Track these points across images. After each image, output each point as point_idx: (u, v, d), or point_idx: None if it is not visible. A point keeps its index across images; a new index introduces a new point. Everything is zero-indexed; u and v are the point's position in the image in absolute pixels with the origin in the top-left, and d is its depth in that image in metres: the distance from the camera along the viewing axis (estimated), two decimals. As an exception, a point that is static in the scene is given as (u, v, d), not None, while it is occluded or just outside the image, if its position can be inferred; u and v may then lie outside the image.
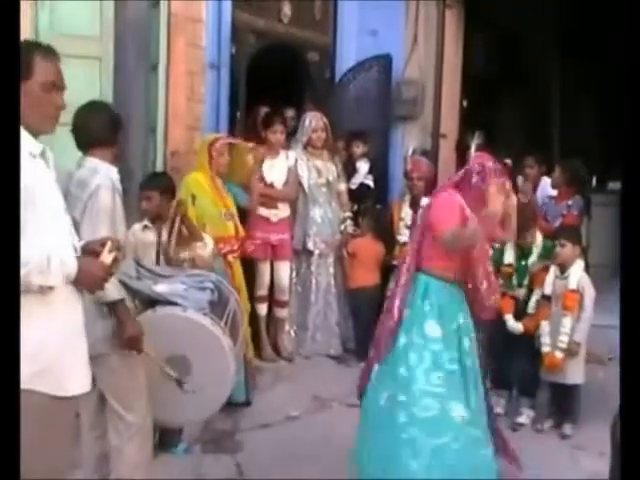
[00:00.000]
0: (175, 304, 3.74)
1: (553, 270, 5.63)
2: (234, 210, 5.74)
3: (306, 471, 4.77)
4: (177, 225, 4.73)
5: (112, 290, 3.39)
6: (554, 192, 6.94)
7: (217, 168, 5.65)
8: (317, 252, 6.86)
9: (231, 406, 5.35)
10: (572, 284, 5.53)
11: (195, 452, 4.96)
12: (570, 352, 5.48)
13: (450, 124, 8.26)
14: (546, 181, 7.38)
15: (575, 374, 5.59)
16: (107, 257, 2.77)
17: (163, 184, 4.91)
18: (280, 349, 6.64)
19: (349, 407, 5.86)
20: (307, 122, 6.89)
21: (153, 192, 4.81)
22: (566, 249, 5.57)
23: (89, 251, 2.85)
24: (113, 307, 3.46)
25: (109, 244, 2.80)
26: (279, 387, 6.17)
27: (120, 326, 3.48)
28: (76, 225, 3.43)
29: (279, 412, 5.66)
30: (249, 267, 6.21)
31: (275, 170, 6.59)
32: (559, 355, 5.49)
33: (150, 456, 3.81)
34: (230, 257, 5.64)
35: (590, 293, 5.55)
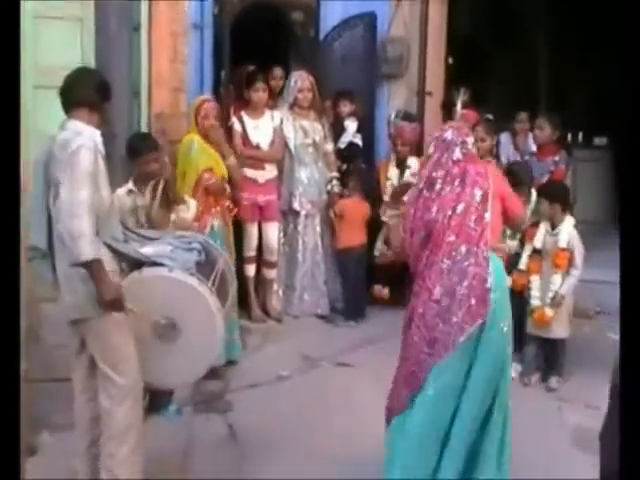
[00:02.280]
0: (162, 265, 3.74)
1: (544, 225, 5.67)
2: (225, 172, 5.79)
3: (297, 429, 4.83)
4: (161, 187, 4.73)
5: (88, 250, 3.41)
6: (533, 148, 6.96)
7: (203, 131, 5.67)
8: (304, 212, 6.86)
9: (221, 367, 5.42)
10: (562, 242, 5.57)
11: (186, 413, 5.01)
12: (553, 304, 5.55)
13: (436, 82, 8.20)
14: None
15: (561, 329, 5.66)
16: None
17: (158, 145, 4.95)
18: (269, 310, 6.66)
19: (338, 366, 5.96)
20: (293, 82, 6.85)
21: (157, 153, 4.86)
22: (556, 206, 5.60)
23: None
24: (89, 268, 3.46)
25: None
26: (268, 347, 6.21)
27: (97, 287, 3.49)
28: (58, 186, 3.44)
29: (269, 372, 5.71)
30: (237, 229, 6.22)
31: (260, 131, 6.55)
32: (549, 312, 5.56)
33: (141, 418, 3.83)
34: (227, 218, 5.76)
35: (580, 251, 5.60)
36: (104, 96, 3.80)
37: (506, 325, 3.67)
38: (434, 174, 3.68)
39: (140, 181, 4.83)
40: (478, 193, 3.63)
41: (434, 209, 3.61)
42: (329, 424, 4.91)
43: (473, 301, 3.53)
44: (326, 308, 6.98)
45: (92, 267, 3.46)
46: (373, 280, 7.19)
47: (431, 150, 3.78)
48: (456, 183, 3.64)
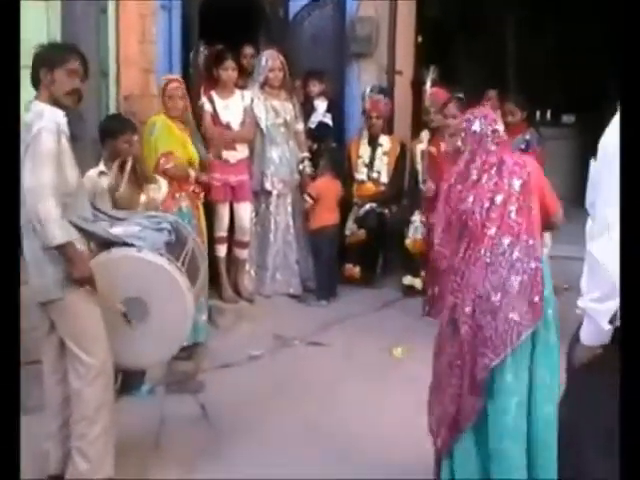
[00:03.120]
0: (131, 245, 3.74)
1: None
2: (192, 155, 5.78)
3: (269, 408, 4.85)
4: (129, 166, 4.71)
5: (59, 233, 3.42)
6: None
7: (170, 111, 5.67)
8: (275, 192, 6.87)
9: (192, 347, 5.43)
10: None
11: (159, 393, 5.01)
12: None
13: (405, 61, 8.22)
14: None
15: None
16: None
17: (135, 127, 4.96)
18: (240, 290, 6.66)
19: (310, 345, 5.99)
20: (264, 61, 6.84)
21: (134, 135, 4.87)
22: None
23: None
24: (62, 250, 3.47)
25: None
26: (240, 327, 6.23)
27: (70, 267, 3.50)
28: (23, 170, 3.44)
29: (241, 352, 5.73)
30: (208, 209, 6.22)
31: (230, 110, 6.54)
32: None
33: (112, 398, 3.83)
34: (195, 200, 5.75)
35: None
36: None
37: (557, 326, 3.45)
38: (471, 166, 3.46)
39: (107, 161, 4.81)
40: (517, 183, 3.40)
41: (470, 199, 3.41)
42: (301, 403, 4.95)
43: (530, 298, 3.31)
44: (298, 288, 7.00)
45: (65, 249, 3.47)
46: (344, 259, 7.23)
47: (459, 143, 3.55)
48: (493, 172, 3.43)
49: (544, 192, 3.56)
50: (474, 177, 3.44)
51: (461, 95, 6.73)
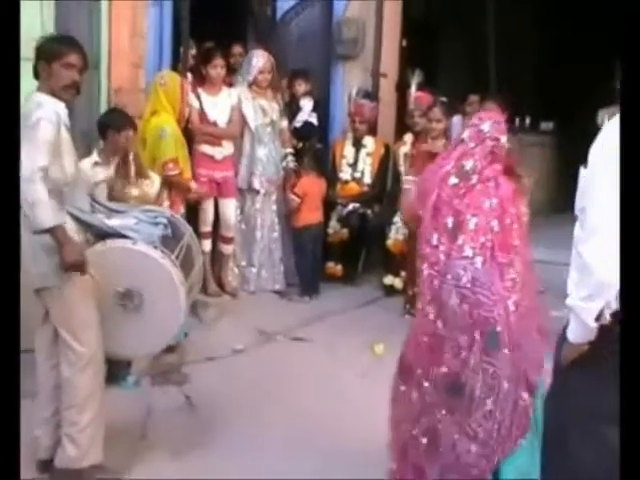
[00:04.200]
0: (126, 237, 3.80)
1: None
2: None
3: (252, 403, 4.92)
4: (130, 161, 4.78)
5: (48, 217, 3.45)
6: None
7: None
8: (262, 191, 6.95)
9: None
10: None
11: (144, 385, 5.08)
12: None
13: (390, 63, 8.31)
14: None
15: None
16: None
17: (135, 124, 5.04)
18: (224, 284, 6.74)
19: (293, 340, 6.07)
20: (254, 61, 6.90)
21: (134, 131, 4.95)
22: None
23: None
24: (52, 234, 3.50)
25: None
26: (224, 321, 6.29)
27: (61, 251, 3.53)
28: None
29: (224, 346, 5.78)
30: (193, 205, 6.29)
31: (218, 108, 6.60)
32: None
33: (102, 386, 3.90)
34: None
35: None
36: None
37: None
38: (464, 162, 3.48)
39: (106, 154, 4.87)
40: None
41: (466, 200, 3.42)
42: (283, 397, 5.02)
43: None
44: (282, 284, 7.09)
45: (55, 233, 3.50)
46: (326, 257, 7.32)
47: (465, 135, 3.56)
48: (489, 184, 3.45)
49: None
50: (473, 181, 3.46)
51: (444, 99, 6.85)
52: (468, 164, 3.50)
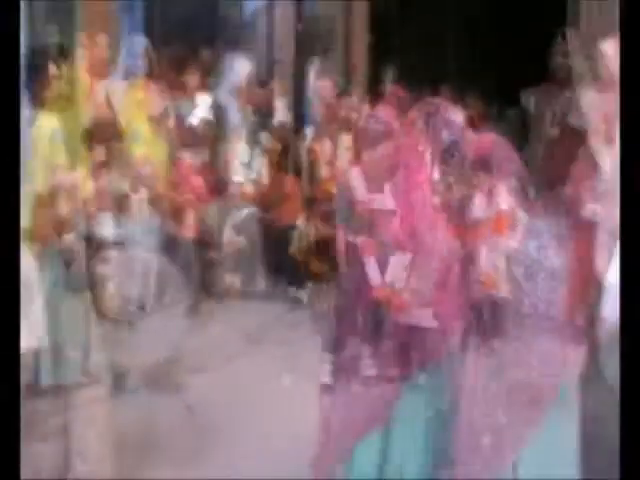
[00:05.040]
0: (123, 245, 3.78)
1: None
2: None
3: (241, 409, 4.89)
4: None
5: None
6: None
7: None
8: (239, 194, 6.93)
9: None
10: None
11: (140, 392, 5.01)
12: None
13: (360, 58, 8.35)
14: None
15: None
16: None
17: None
18: (211, 290, 6.69)
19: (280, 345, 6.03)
20: (235, 68, 6.93)
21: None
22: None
23: None
24: None
25: None
26: (212, 328, 6.18)
27: None
28: None
29: (212, 352, 5.62)
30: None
31: (193, 113, 6.57)
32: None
33: (108, 399, 3.89)
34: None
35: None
36: None
37: None
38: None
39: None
40: None
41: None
42: (273, 402, 4.98)
43: None
44: (267, 287, 7.08)
45: None
46: (310, 257, 7.29)
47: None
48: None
49: None
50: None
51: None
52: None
